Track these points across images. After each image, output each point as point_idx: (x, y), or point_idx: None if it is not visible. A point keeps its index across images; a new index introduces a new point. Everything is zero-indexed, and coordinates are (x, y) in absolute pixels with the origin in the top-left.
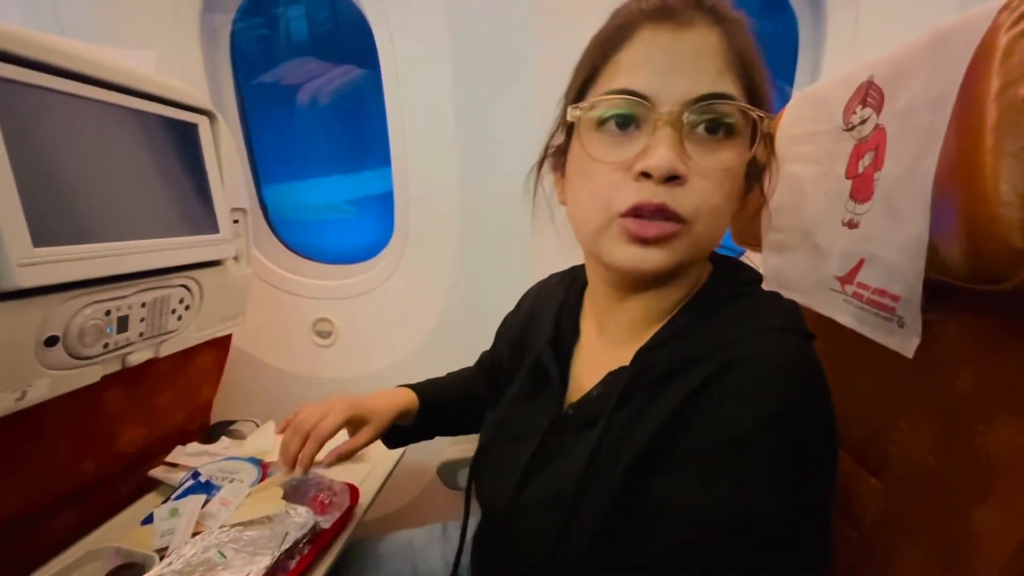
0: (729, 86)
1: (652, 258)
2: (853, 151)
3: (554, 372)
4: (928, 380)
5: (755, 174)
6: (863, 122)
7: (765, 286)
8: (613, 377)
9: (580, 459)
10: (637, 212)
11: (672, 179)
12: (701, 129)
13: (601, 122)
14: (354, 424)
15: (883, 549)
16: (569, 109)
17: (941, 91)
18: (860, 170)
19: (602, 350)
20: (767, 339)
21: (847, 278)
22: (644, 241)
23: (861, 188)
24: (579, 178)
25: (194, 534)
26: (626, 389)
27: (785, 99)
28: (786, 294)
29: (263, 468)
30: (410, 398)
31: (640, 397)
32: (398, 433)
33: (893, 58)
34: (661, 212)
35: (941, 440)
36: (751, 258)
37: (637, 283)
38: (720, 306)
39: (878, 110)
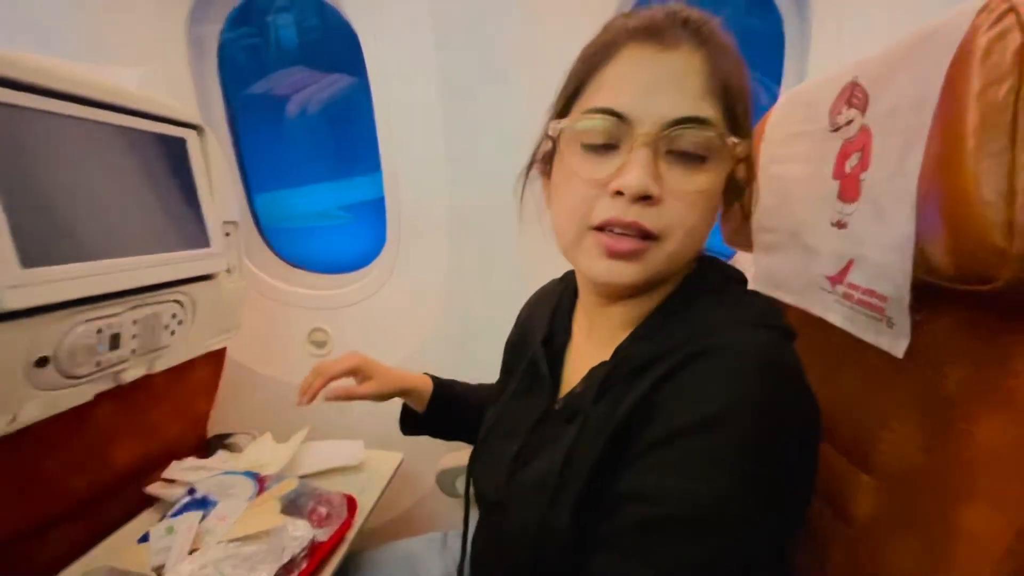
0: (708, 110)
1: (624, 272)
2: (840, 151)
3: (545, 370)
4: (917, 379)
5: (735, 191)
6: (849, 123)
7: (756, 287)
8: (593, 373)
9: (562, 449)
10: (610, 227)
11: (645, 198)
12: (679, 151)
13: (583, 139)
14: (362, 375)
15: (876, 546)
16: (552, 124)
17: (923, 92)
18: (847, 170)
19: (590, 350)
20: (737, 332)
21: (837, 278)
22: (617, 255)
23: (848, 188)
24: (561, 188)
25: (192, 551)
26: (603, 384)
27: (774, 98)
28: (778, 294)
29: (260, 482)
30: (424, 381)
31: (616, 390)
32: (413, 419)
33: (876, 59)
34: (633, 229)
35: (931, 438)
36: (738, 260)
37: (618, 291)
38: (695, 303)
39: (863, 111)
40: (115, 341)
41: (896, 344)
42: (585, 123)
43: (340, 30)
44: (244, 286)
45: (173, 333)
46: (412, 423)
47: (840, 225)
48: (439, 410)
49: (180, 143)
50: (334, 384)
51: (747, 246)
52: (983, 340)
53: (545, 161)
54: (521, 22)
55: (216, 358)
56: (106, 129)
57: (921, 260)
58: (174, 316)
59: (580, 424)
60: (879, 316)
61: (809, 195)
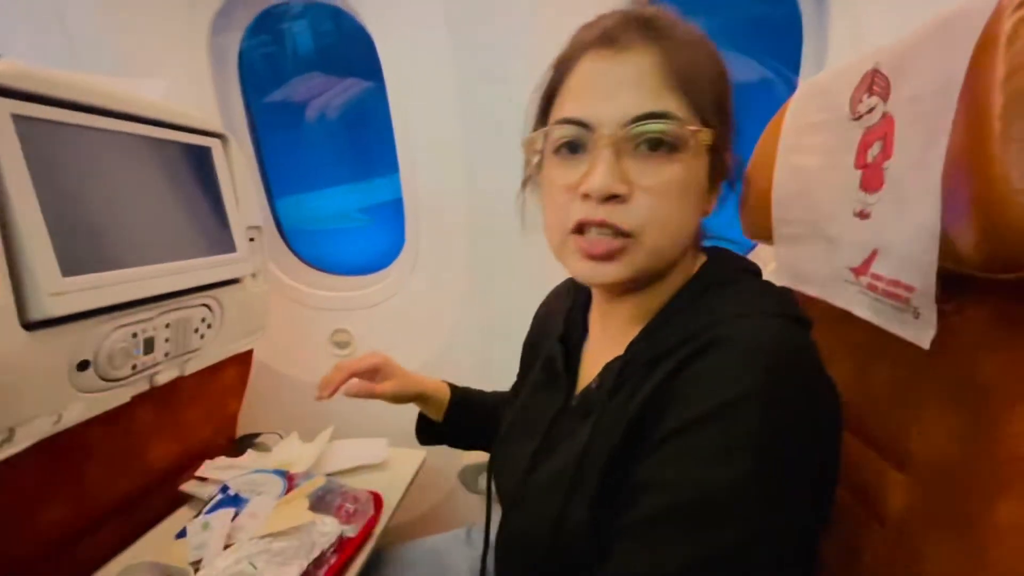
0: (668, 103)
1: (605, 272)
2: (861, 140)
3: (561, 367)
4: (948, 371)
5: (720, 176)
6: (870, 111)
7: (778, 280)
8: (607, 368)
9: (579, 443)
10: (583, 228)
11: (613, 197)
12: (644, 147)
13: (556, 148)
14: (382, 374)
15: (909, 543)
16: (525, 142)
17: (946, 79)
18: (869, 159)
19: (605, 345)
20: (749, 321)
21: (861, 269)
22: (594, 257)
23: (871, 178)
24: (545, 198)
25: (226, 546)
26: (618, 378)
27: (792, 88)
28: (800, 287)
29: (289, 480)
30: (441, 387)
31: (630, 384)
32: (429, 428)
33: (898, 45)
34: (605, 227)
35: (964, 431)
36: (758, 254)
37: (615, 289)
38: (706, 294)
39: (885, 98)
40: (149, 345)
41: (922, 335)
42: (553, 134)
43: (355, 35)
44: (268, 289)
45: (203, 336)
46: (428, 432)
47: (863, 215)
48: (457, 418)
49: (206, 152)
50: (354, 380)
51: (767, 238)
52: (1016, 330)
53: (537, 172)
54: (536, 22)
55: (243, 360)
56: (137, 141)
57: (947, 249)
58: (203, 320)
59: (595, 419)
60: (905, 307)
61: (830, 185)
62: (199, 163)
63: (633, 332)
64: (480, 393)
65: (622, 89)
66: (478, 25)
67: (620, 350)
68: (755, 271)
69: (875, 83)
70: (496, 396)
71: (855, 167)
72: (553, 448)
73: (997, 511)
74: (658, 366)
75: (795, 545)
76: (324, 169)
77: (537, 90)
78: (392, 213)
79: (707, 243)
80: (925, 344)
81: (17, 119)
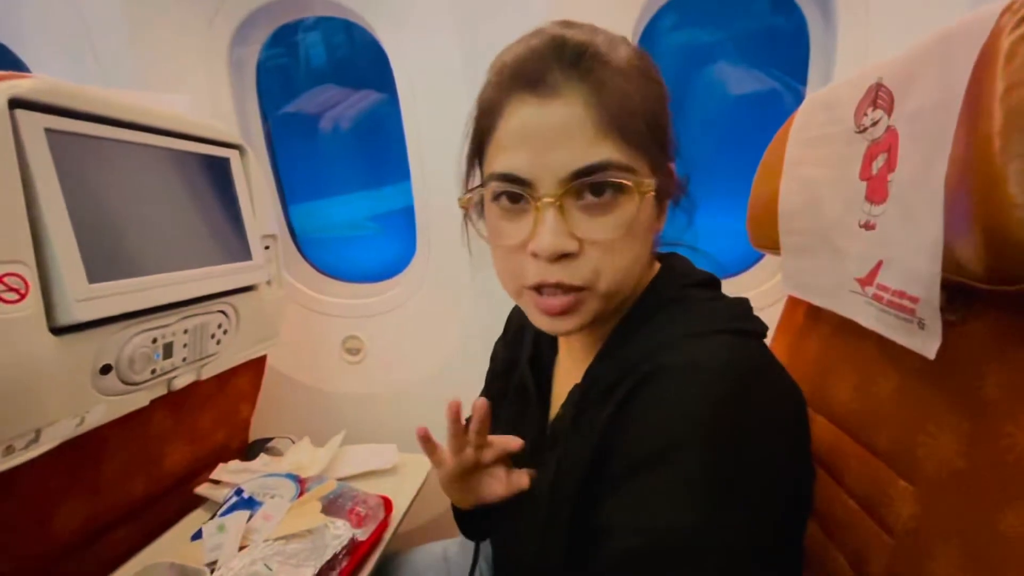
0: (606, 151)
1: (564, 325)
2: (866, 153)
3: (532, 392)
4: (954, 381)
5: (666, 194)
6: (874, 124)
7: (784, 289)
8: (570, 396)
9: (547, 480)
10: (539, 289)
11: (564, 256)
12: (589, 196)
13: (495, 196)
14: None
15: (916, 554)
16: (460, 199)
17: (948, 94)
18: (874, 171)
19: (571, 367)
20: (691, 344)
21: (867, 280)
22: (552, 313)
23: (876, 189)
24: (492, 246)
25: (240, 547)
26: (578, 407)
27: (799, 99)
28: (807, 296)
29: (301, 483)
30: None
31: (589, 413)
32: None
33: (901, 60)
34: (560, 287)
35: (970, 442)
36: (751, 274)
37: None
38: (653, 314)
39: (889, 112)
40: (168, 350)
41: (928, 345)
42: (492, 189)
43: (367, 47)
44: (282, 296)
45: (219, 342)
46: (476, 526)
47: (868, 226)
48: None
49: (224, 163)
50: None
51: (774, 248)
52: (1021, 341)
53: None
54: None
55: (257, 366)
56: (160, 153)
57: (951, 261)
58: (220, 326)
59: (561, 453)
60: (910, 317)
61: (836, 197)
62: (218, 173)
63: (592, 354)
64: None
65: (557, 142)
66: (489, 36)
67: (580, 374)
68: (706, 282)
69: (879, 97)
70: None
71: (860, 179)
72: (532, 480)
73: (1004, 521)
74: (610, 396)
75: (769, 566)
76: (337, 178)
77: (466, 128)
78: (403, 221)
79: (663, 249)
80: (930, 355)
81: (49, 132)
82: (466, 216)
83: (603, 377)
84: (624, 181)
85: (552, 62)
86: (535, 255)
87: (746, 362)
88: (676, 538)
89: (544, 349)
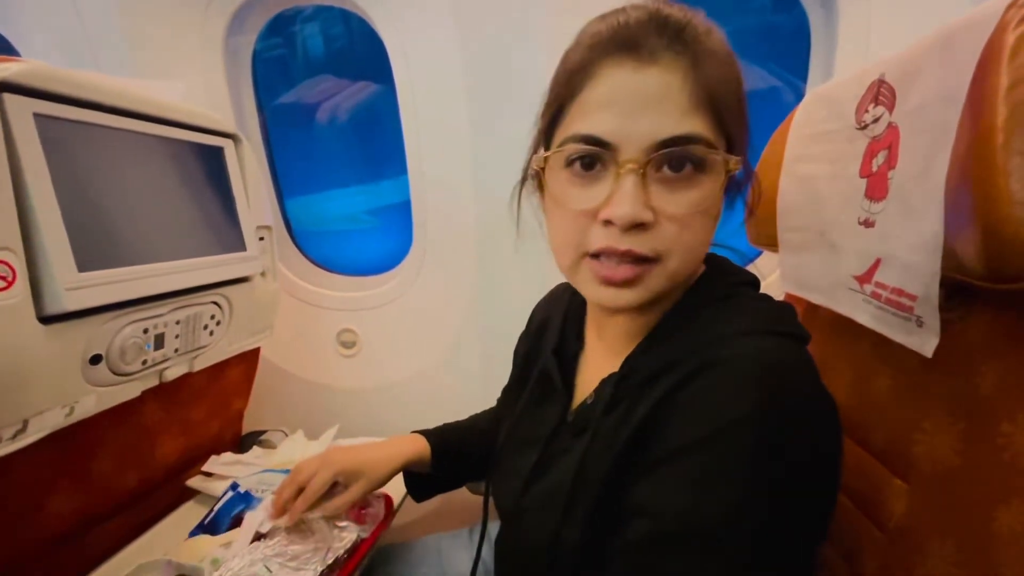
0: (696, 124)
1: (624, 297)
2: (867, 150)
3: (557, 380)
4: (950, 379)
5: (735, 190)
6: (876, 120)
7: (783, 287)
8: (603, 384)
9: (573, 463)
10: (604, 255)
11: (638, 226)
12: (667, 170)
13: (568, 161)
14: (347, 477)
15: (910, 551)
16: (534, 158)
17: (951, 90)
18: (874, 168)
19: (602, 358)
20: (744, 341)
21: (865, 277)
22: (615, 284)
23: (876, 187)
24: (553, 214)
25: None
26: (613, 395)
27: (800, 96)
28: (805, 294)
29: None
30: (418, 447)
31: (626, 402)
32: (423, 483)
33: (904, 56)
34: (628, 256)
35: (965, 440)
36: (756, 267)
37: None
38: (703, 309)
39: (890, 108)
40: (160, 341)
41: (926, 343)
42: (569, 151)
43: (366, 38)
44: (277, 288)
45: (212, 333)
46: (424, 488)
47: (867, 224)
48: (448, 468)
49: (218, 152)
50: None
51: (772, 245)
52: (1018, 339)
53: (537, 176)
54: (549, 26)
55: (250, 358)
56: (152, 141)
57: (951, 258)
58: (213, 317)
59: (590, 437)
60: (908, 315)
61: (835, 193)
62: (212, 163)
63: (630, 346)
64: (461, 427)
65: (648, 108)
66: (489, 29)
67: (616, 364)
68: (753, 282)
69: (881, 93)
70: (485, 417)
71: (860, 175)
72: (550, 464)
73: (997, 519)
74: (653, 385)
75: (793, 570)
76: (333, 170)
77: (547, 93)
78: (399, 215)
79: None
80: (928, 353)
81: (38, 118)
82: (521, 186)
83: (644, 367)
84: (711, 156)
85: (653, 31)
86: (607, 222)
87: (794, 366)
88: (704, 522)
89: (569, 341)
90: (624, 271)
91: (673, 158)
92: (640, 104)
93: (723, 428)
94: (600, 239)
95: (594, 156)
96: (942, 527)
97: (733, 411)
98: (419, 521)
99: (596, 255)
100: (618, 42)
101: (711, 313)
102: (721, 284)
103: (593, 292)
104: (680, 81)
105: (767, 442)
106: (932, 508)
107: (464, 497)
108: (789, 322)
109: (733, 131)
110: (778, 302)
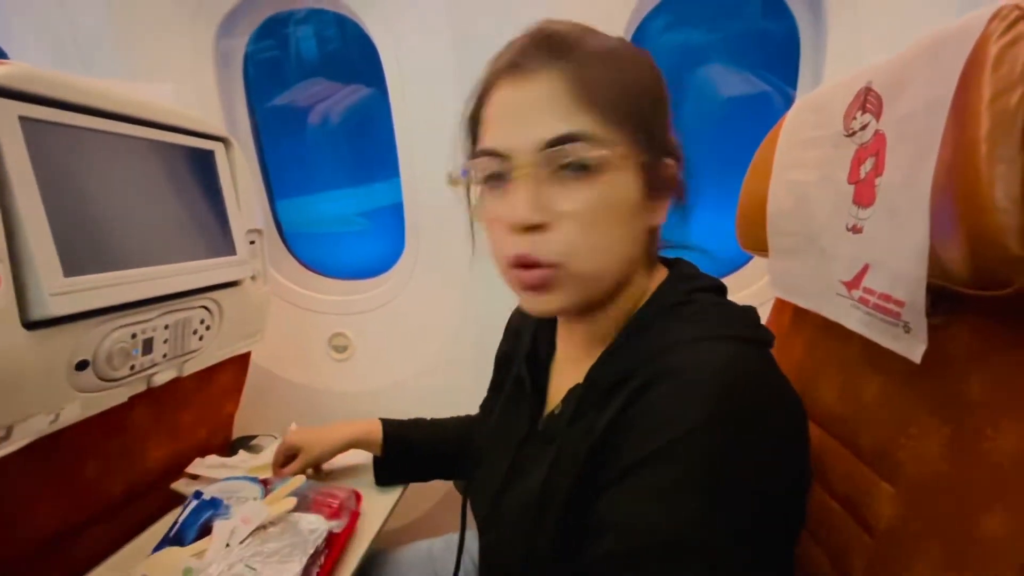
0: (581, 123)
1: (542, 302)
2: (854, 156)
3: (528, 386)
4: (937, 385)
5: (662, 183)
6: (863, 128)
7: (773, 291)
8: (570, 395)
9: (541, 473)
10: (515, 263)
11: (534, 228)
12: (565, 172)
13: (483, 179)
14: (296, 451)
15: (896, 555)
16: (450, 177)
17: (936, 99)
18: (862, 175)
19: (571, 365)
20: (698, 348)
21: (853, 283)
22: (529, 288)
23: (864, 193)
24: (486, 228)
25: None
26: (578, 406)
27: (790, 102)
28: (793, 299)
29: (264, 484)
30: (369, 430)
31: (590, 412)
32: (386, 471)
33: (890, 65)
34: (528, 260)
35: (952, 445)
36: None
37: (565, 315)
38: (660, 318)
39: (877, 116)
40: (148, 345)
41: (913, 349)
42: (476, 167)
43: (358, 41)
44: (268, 292)
45: (201, 338)
46: (386, 475)
47: (855, 230)
48: (398, 454)
49: (208, 155)
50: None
51: (762, 250)
52: (1005, 345)
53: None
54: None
55: (241, 362)
56: (141, 144)
57: (936, 265)
58: (202, 322)
59: (556, 450)
60: (896, 321)
61: (824, 199)
62: (202, 166)
63: (594, 355)
64: (428, 423)
65: (531, 115)
66: (481, 32)
67: (582, 373)
68: (716, 287)
69: (868, 101)
70: (458, 420)
71: (848, 182)
72: (521, 472)
73: (984, 523)
74: (613, 396)
75: (757, 570)
76: (325, 173)
77: (462, 119)
78: (392, 218)
79: (671, 253)
80: (916, 358)
81: (24, 121)
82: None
83: (603, 379)
84: (598, 152)
85: (531, 49)
86: (510, 227)
87: (749, 370)
88: (669, 535)
89: (541, 346)
90: (532, 276)
91: (561, 157)
92: (525, 113)
93: (679, 438)
94: (510, 246)
95: (496, 169)
96: (930, 531)
97: (688, 420)
98: (410, 527)
99: (516, 264)
100: (505, 65)
101: (667, 320)
102: (678, 291)
103: (521, 299)
104: (564, 85)
105: (725, 447)
106: (919, 512)
107: (454, 503)
108: (748, 326)
109: (632, 129)
110: (739, 306)
